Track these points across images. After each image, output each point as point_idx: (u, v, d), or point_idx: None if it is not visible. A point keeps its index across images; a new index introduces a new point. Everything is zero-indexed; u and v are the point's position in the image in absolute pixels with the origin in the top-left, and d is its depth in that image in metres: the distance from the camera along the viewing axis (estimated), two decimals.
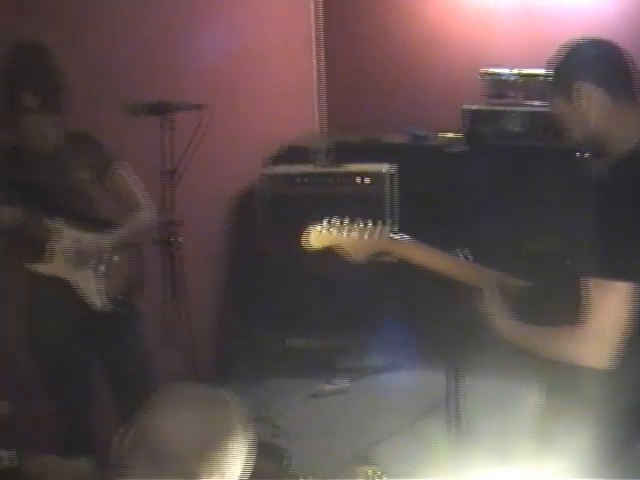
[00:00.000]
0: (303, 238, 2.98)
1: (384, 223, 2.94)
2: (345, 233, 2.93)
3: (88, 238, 3.56)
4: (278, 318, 5.59)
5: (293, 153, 5.97)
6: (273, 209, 5.58)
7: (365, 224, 2.94)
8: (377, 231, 2.92)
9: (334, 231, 2.93)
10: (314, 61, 6.62)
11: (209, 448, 1.84)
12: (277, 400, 5.09)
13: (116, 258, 3.67)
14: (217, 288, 5.61)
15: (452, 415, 3.62)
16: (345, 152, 5.88)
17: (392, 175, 5.59)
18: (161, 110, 3.40)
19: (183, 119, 3.48)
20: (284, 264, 5.48)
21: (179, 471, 1.81)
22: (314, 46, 6.60)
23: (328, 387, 5.36)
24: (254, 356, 5.30)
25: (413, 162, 5.79)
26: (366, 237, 2.92)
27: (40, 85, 3.35)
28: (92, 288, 3.61)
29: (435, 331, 4.12)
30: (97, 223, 3.64)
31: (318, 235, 2.96)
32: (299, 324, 5.60)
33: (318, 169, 5.66)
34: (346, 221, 2.95)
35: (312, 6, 6.56)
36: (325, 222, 2.96)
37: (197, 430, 1.84)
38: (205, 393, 1.93)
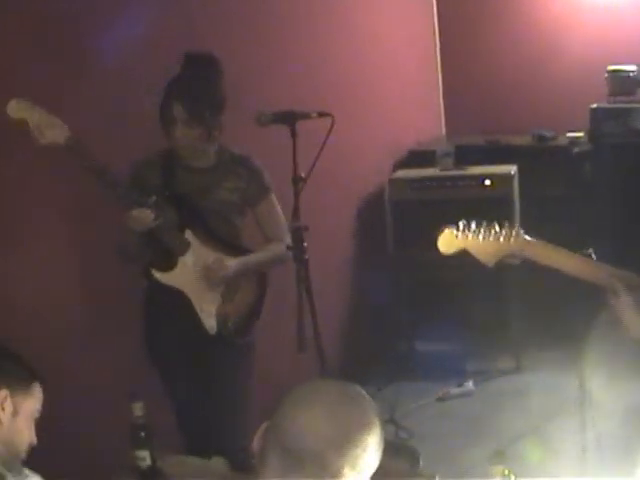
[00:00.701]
0: (437, 242, 2.98)
1: (513, 225, 2.94)
2: (478, 236, 2.93)
3: (216, 258, 3.56)
4: (407, 322, 5.63)
5: (417, 157, 6.00)
6: (400, 213, 5.61)
7: (496, 226, 2.94)
8: (511, 233, 2.92)
9: (467, 234, 2.93)
10: (438, 65, 6.63)
11: (348, 444, 1.81)
12: (405, 403, 5.13)
13: (240, 284, 3.67)
14: (343, 293, 5.67)
15: (583, 417, 3.59)
16: (466, 155, 5.88)
17: (517, 177, 5.57)
18: (289, 119, 3.44)
19: (308, 126, 3.53)
20: (411, 268, 5.51)
21: (318, 469, 1.78)
22: (438, 50, 6.61)
23: (454, 390, 5.37)
24: (383, 360, 5.34)
25: (537, 163, 5.76)
26: (501, 239, 2.91)
27: (191, 98, 3.41)
28: (210, 309, 3.60)
29: (564, 332, 4.09)
30: (230, 246, 3.63)
31: (451, 239, 2.96)
32: (428, 328, 5.62)
33: (445, 172, 5.66)
34: (477, 224, 2.95)
35: (435, 10, 6.58)
36: (457, 226, 2.96)
37: (335, 426, 1.81)
38: (341, 388, 1.90)
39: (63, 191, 3.73)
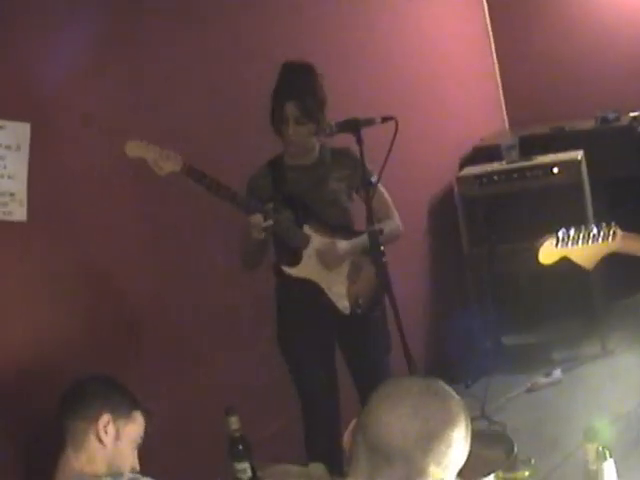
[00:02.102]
0: (536, 255, 2.98)
1: (609, 224, 2.94)
2: (577, 242, 2.93)
3: (336, 243, 3.80)
4: (492, 317, 5.63)
5: (483, 153, 6.01)
6: (471, 210, 5.64)
7: (594, 229, 2.93)
8: (609, 232, 2.91)
9: (566, 242, 2.93)
10: (494, 60, 6.64)
11: (433, 441, 1.82)
12: (495, 397, 5.13)
13: (361, 263, 3.87)
14: (423, 293, 5.72)
15: None
16: (531, 145, 5.88)
17: (584, 162, 5.54)
18: (354, 127, 3.54)
19: (374, 131, 3.60)
20: (487, 263, 5.53)
21: (404, 466, 1.81)
22: (493, 45, 6.63)
23: (542, 380, 5.36)
24: (470, 357, 5.36)
25: (603, 146, 5.74)
26: (600, 241, 2.91)
27: (301, 97, 3.69)
28: (340, 291, 3.85)
29: None
30: (347, 230, 3.89)
31: (551, 249, 2.95)
32: (511, 321, 5.63)
33: (511, 165, 5.67)
34: (572, 231, 2.95)
35: (486, 5, 6.60)
36: (553, 236, 2.96)
37: (419, 424, 1.82)
38: (425, 385, 1.91)
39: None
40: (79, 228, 3.61)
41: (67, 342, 3.47)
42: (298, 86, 3.73)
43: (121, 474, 2.51)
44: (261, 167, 3.89)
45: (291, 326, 3.91)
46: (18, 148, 3.36)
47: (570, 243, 2.92)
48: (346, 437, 1.94)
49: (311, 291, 3.82)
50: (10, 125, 3.32)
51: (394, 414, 1.84)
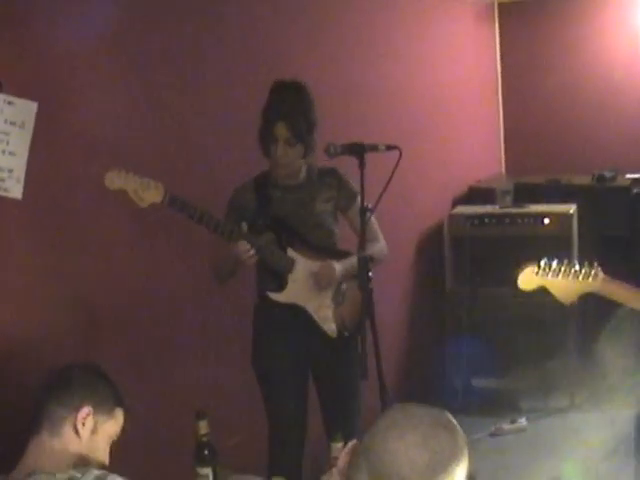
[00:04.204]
0: (515, 280, 3.01)
1: (592, 264, 2.97)
2: (558, 275, 2.95)
3: (332, 264, 3.76)
4: (465, 357, 5.66)
5: (477, 194, 6.06)
6: (459, 249, 5.68)
7: (576, 265, 2.96)
8: (591, 272, 2.94)
9: (547, 272, 2.96)
10: (500, 107, 6.70)
11: (437, 474, 1.78)
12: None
13: (345, 287, 3.85)
14: (402, 325, 5.72)
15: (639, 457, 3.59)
16: (526, 193, 5.93)
17: (576, 216, 5.60)
18: (358, 151, 3.52)
19: (372, 159, 3.61)
20: (469, 303, 5.55)
21: None
22: (500, 93, 6.68)
23: (506, 426, 5.38)
24: (439, 393, 5.36)
25: (597, 203, 5.78)
26: (580, 278, 2.94)
27: (292, 118, 3.63)
28: (327, 315, 3.81)
29: (619, 372, 4.09)
30: (330, 252, 3.84)
31: (531, 276, 2.98)
32: (485, 364, 5.65)
33: (504, 210, 5.72)
34: (558, 262, 2.97)
35: (498, 56, 6.65)
36: (537, 264, 2.98)
37: (427, 456, 1.78)
38: (434, 416, 1.86)
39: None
40: (73, 211, 3.60)
41: (49, 323, 3.46)
42: (289, 106, 3.67)
43: (88, 469, 2.43)
44: (246, 183, 3.82)
45: (269, 350, 3.86)
46: (22, 125, 3.35)
47: (550, 274, 2.95)
48: (341, 458, 1.92)
49: (296, 315, 3.78)
50: (19, 102, 3.32)
51: (403, 441, 1.80)
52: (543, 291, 2.98)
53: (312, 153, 3.75)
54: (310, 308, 3.78)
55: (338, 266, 3.77)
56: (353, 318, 3.85)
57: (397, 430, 1.82)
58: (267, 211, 3.75)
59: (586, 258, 3.03)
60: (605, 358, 3.84)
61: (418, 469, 1.77)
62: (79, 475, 2.37)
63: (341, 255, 3.85)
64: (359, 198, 3.72)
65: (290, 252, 3.74)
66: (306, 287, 3.76)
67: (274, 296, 3.76)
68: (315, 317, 3.79)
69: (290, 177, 3.78)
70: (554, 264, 2.97)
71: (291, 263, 3.74)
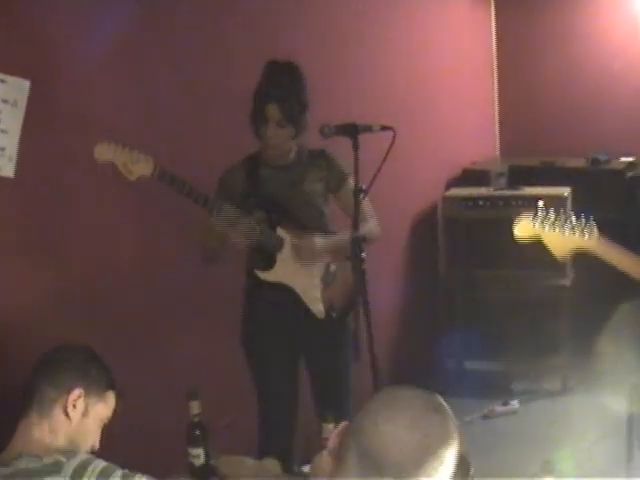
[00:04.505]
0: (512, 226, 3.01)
1: (590, 222, 2.97)
2: (555, 227, 2.95)
3: (313, 238, 3.75)
4: (458, 339, 5.67)
5: (471, 176, 6.05)
6: (452, 231, 5.67)
7: (573, 220, 2.96)
8: (587, 230, 2.94)
9: (544, 224, 2.96)
10: (495, 89, 6.68)
11: (428, 457, 1.77)
12: None
13: (335, 267, 3.84)
14: (396, 307, 5.73)
15: (630, 442, 3.60)
16: (520, 175, 5.92)
17: (570, 198, 5.59)
18: (352, 132, 3.50)
19: (367, 139, 3.60)
20: (462, 286, 5.55)
21: (395, 477, 1.76)
22: (495, 75, 6.66)
23: (498, 408, 5.40)
24: (431, 376, 5.36)
25: (591, 186, 5.78)
26: (577, 234, 2.94)
27: (284, 99, 3.60)
28: (314, 295, 3.80)
29: (612, 355, 4.10)
30: (322, 232, 3.81)
31: (527, 225, 2.98)
32: (477, 346, 5.65)
33: (498, 192, 5.71)
34: (552, 215, 2.97)
35: (494, 36, 6.63)
36: (536, 214, 2.98)
37: (417, 439, 1.77)
38: (425, 399, 1.85)
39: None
40: (65, 190, 3.59)
41: (40, 303, 3.46)
42: (281, 87, 3.64)
43: (75, 453, 2.40)
44: (237, 163, 3.80)
45: (259, 330, 3.86)
46: (15, 104, 3.33)
47: (547, 226, 2.95)
48: (332, 439, 1.90)
49: (284, 295, 3.77)
50: (11, 80, 3.30)
51: (393, 424, 1.79)
52: (538, 242, 2.98)
53: (303, 134, 3.73)
54: (298, 288, 3.77)
55: (320, 240, 3.75)
56: (341, 300, 3.84)
57: (387, 412, 1.81)
58: (257, 190, 3.73)
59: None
60: (606, 351, 3.85)
61: (407, 451, 1.77)
62: (64, 459, 2.35)
63: (331, 234, 3.83)
64: (350, 179, 3.74)
65: (279, 231, 3.73)
66: (295, 267, 3.75)
67: (262, 275, 3.75)
68: (303, 297, 3.78)
69: (280, 157, 3.77)
70: (551, 216, 2.97)
71: (280, 242, 3.73)
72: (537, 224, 2.97)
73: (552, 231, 2.96)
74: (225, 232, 3.57)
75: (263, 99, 3.63)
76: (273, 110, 3.61)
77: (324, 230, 3.84)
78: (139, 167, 3.34)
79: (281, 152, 3.75)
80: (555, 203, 5.39)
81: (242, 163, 3.80)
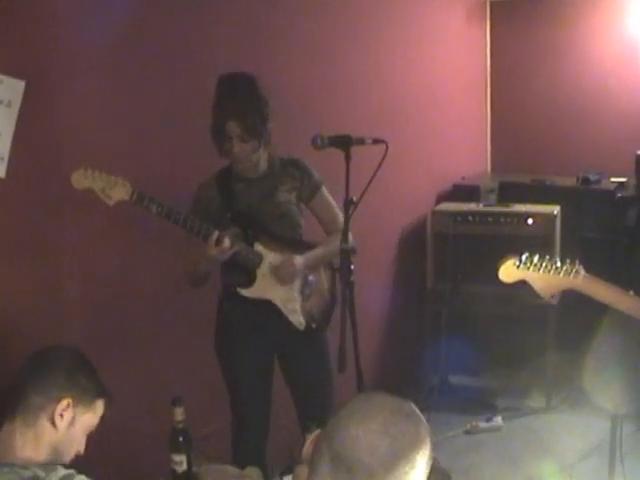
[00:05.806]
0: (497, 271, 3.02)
1: (574, 262, 2.98)
2: (539, 269, 2.97)
3: (292, 258, 3.72)
4: (443, 354, 5.64)
5: (461, 191, 6.06)
6: (441, 245, 5.65)
7: (558, 262, 2.98)
8: (572, 269, 2.95)
9: (528, 266, 2.97)
10: (488, 106, 6.70)
11: (399, 462, 1.80)
12: (433, 434, 5.11)
13: (313, 278, 3.83)
14: (382, 320, 5.72)
15: (613, 461, 3.60)
16: (510, 192, 5.94)
17: (559, 217, 5.60)
18: (345, 143, 3.49)
19: (359, 152, 3.60)
20: (449, 300, 5.55)
21: None
22: (488, 92, 6.69)
23: (482, 424, 5.39)
24: (416, 389, 5.37)
25: (580, 205, 5.79)
26: (561, 274, 2.95)
27: (244, 115, 3.54)
28: (294, 307, 3.78)
29: (598, 375, 4.11)
30: (299, 244, 3.81)
31: (512, 269, 3.00)
32: (462, 361, 5.65)
33: (487, 208, 5.71)
34: (540, 257, 2.99)
35: (488, 50, 6.66)
36: (520, 257, 3.00)
37: (388, 443, 1.80)
38: (396, 405, 1.88)
39: None
40: (56, 191, 3.57)
41: (29, 303, 3.45)
42: (240, 103, 3.56)
43: (55, 467, 2.33)
44: (210, 178, 3.77)
45: (235, 345, 3.83)
46: (9, 104, 3.33)
47: (532, 268, 2.96)
48: (306, 448, 1.92)
49: (263, 308, 3.74)
50: (6, 80, 3.30)
51: (363, 428, 1.81)
52: (523, 284, 2.99)
53: (268, 145, 3.69)
54: (278, 301, 3.76)
55: (299, 259, 3.74)
56: (320, 310, 3.86)
57: (359, 417, 1.84)
58: (231, 205, 3.71)
59: (568, 258, 3.04)
60: (591, 369, 3.86)
61: (378, 455, 1.79)
62: (43, 474, 2.29)
63: (307, 247, 3.82)
64: (323, 188, 3.80)
65: (257, 246, 3.71)
66: (273, 280, 3.73)
67: (244, 292, 3.73)
68: (283, 310, 3.77)
69: (250, 170, 3.73)
70: (535, 259, 2.98)
71: (260, 258, 3.71)
72: (521, 267, 2.98)
73: (536, 272, 2.97)
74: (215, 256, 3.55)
75: (222, 116, 3.57)
76: (234, 127, 3.55)
77: (300, 241, 3.83)
78: (117, 192, 3.35)
79: (250, 165, 3.70)
80: (545, 221, 5.51)
81: (215, 178, 3.76)
